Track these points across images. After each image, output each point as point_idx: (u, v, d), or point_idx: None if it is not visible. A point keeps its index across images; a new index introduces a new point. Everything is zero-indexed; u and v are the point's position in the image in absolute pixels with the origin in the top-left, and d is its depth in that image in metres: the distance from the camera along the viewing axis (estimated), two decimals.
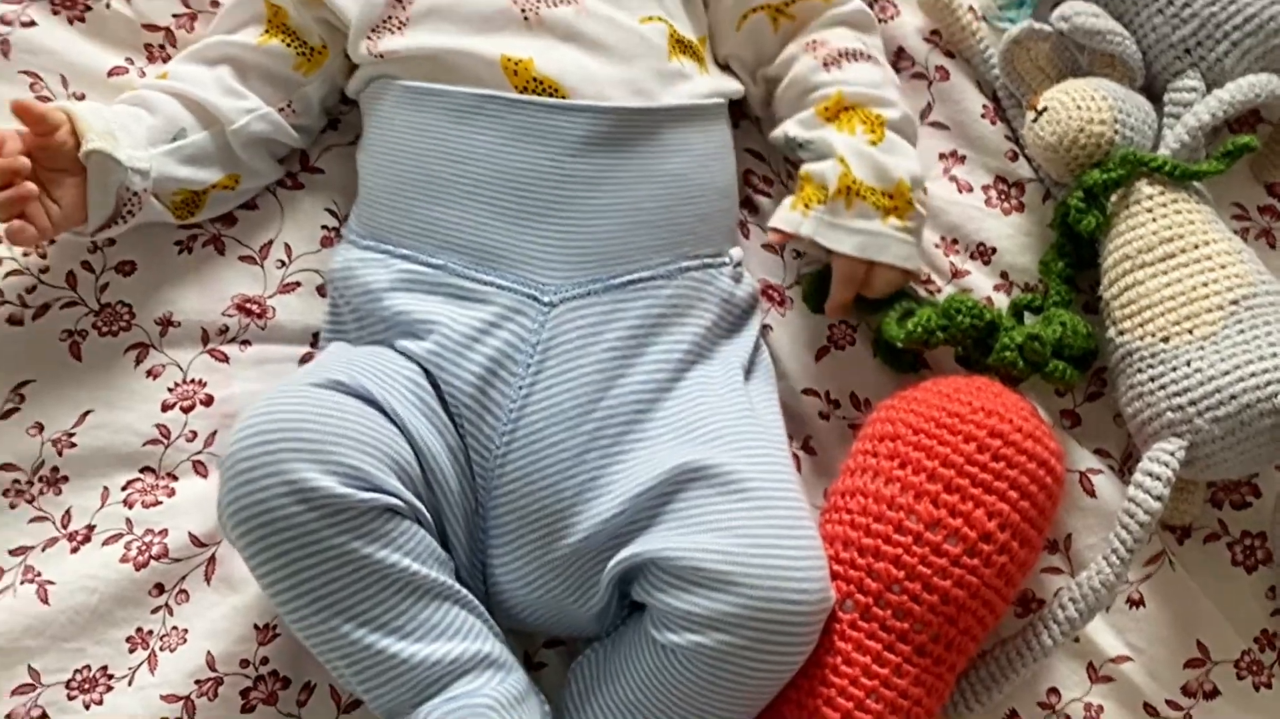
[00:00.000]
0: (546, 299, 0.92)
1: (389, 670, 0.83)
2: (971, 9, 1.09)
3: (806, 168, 0.99)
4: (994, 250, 1.06)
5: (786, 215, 0.98)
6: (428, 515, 0.87)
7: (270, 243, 1.04)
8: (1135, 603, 0.98)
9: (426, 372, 0.91)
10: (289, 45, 1.01)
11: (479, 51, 0.94)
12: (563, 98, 0.94)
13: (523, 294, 0.92)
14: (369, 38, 0.97)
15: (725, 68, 1.05)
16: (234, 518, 0.83)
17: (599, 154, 0.93)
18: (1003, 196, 1.07)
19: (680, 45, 0.98)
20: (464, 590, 0.87)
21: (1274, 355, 0.91)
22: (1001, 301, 1.04)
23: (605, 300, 0.92)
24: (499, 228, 0.93)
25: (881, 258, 0.96)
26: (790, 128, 1.02)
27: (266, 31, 1.01)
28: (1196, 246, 0.96)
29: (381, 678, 0.84)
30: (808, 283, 1.03)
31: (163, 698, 0.93)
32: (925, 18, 1.10)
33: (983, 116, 1.08)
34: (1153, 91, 1.05)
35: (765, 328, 1.03)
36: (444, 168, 0.94)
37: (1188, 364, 0.92)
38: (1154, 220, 0.97)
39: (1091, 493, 0.98)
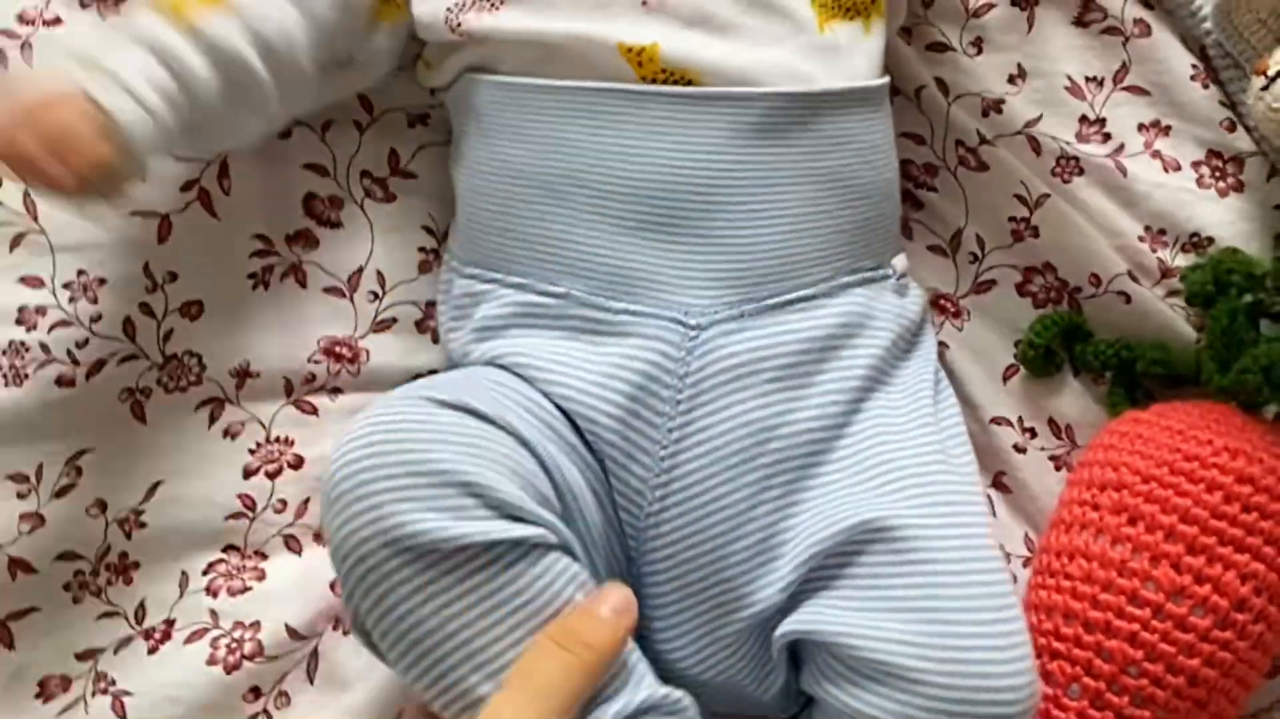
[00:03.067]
0: (693, 322, 0.82)
1: None
2: None
3: None
4: (1210, 241, 0.94)
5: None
6: (578, 548, 0.78)
7: (360, 270, 0.95)
8: None
9: (562, 410, 0.82)
10: None
11: (593, 35, 0.83)
12: (698, 86, 0.84)
13: (664, 319, 0.82)
14: (449, 12, 0.87)
15: None
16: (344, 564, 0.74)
17: (745, 151, 0.82)
18: (1217, 175, 0.96)
19: (833, 7, 0.87)
20: None
21: None
22: None
23: (761, 324, 0.82)
24: (630, 245, 0.82)
25: None
26: None
27: None
28: None
29: None
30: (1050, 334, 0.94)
31: None
32: None
33: (1192, 79, 0.96)
34: None
35: (941, 345, 0.94)
36: (559, 178, 0.83)
37: None
38: None
39: None
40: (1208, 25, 0.96)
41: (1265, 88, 0.90)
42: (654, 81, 0.82)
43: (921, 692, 0.73)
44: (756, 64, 0.83)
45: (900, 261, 0.90)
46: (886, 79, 0.90)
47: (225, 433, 0.92)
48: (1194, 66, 0.97)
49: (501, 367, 0.84)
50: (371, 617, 0.74)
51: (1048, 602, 0.83)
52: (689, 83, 0.82)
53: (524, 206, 0.84)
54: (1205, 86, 0.96)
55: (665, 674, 0.81)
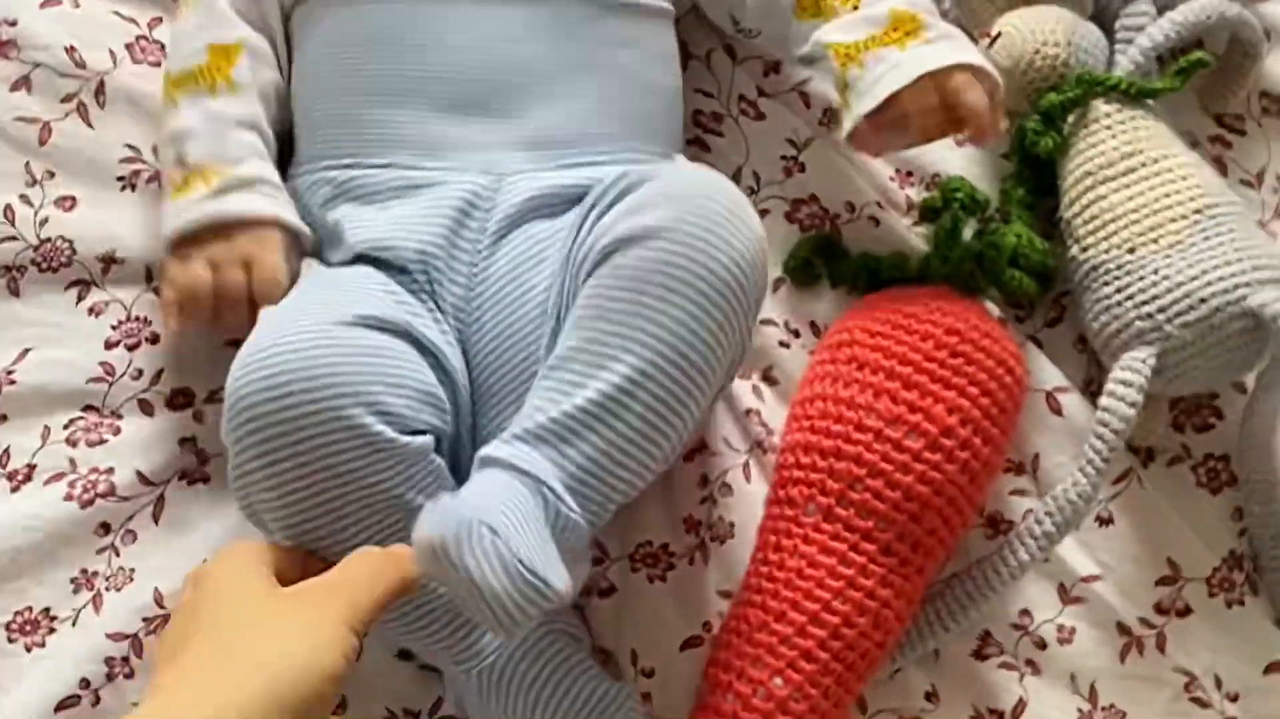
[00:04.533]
0: (499, 171, 1.00)
1: None
2: None
3: (836, 89, 1.04)
4: None
5: (841, 134, 1.02)
6: (446, 442, 0.94)
7: None
8: (1104, 522, 1.04)
9: (392, 266, 0.99)
10: None
11: None
12: None
13: (475, 170, 1.00)
14: None
15: None
16: (261, 447, 0.86)
17: (543, 43, 1.01)
18: None
19: None
20: None
21: (1239, 260, 0.98)
22: None
23: (556, 173, 1.00)
24: (445, 120, 1.00)
25: (927, 68, 0.97)
26: (795, 49, 1.07)
27: None
28: (1157, 160, 1.03)
29: None
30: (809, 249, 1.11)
31: (108, 636, 0.98)
32: None
33: None
34: (1103, 21, 1.13)
35: None
36: (381, 69, 1.01)
37: (1155, 272, 1.00)
38: (1114, 137, 1.05)
39: (1058, 411, 1.05)
40: (948, 5, 1.16)
41: (989, 46, 1.10)
42: None
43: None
44: None
45: (682, 159, 1.08)
46: (669, 6, 1.09)
47: (90, 310, 1.07)
48: None
49: (359, 255, 1.00)
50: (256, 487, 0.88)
51: (792, 441, 0.99)
52: None
53: (349, 98, 1.02)
54: None
55: None
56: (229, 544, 0.91)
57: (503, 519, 0.79)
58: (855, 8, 1.03)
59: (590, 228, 0.92)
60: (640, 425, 0.87)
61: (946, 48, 0.99)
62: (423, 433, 0.90)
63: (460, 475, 0.92)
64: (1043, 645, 1.03)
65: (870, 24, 1.01)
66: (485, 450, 0.87)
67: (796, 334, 1.11)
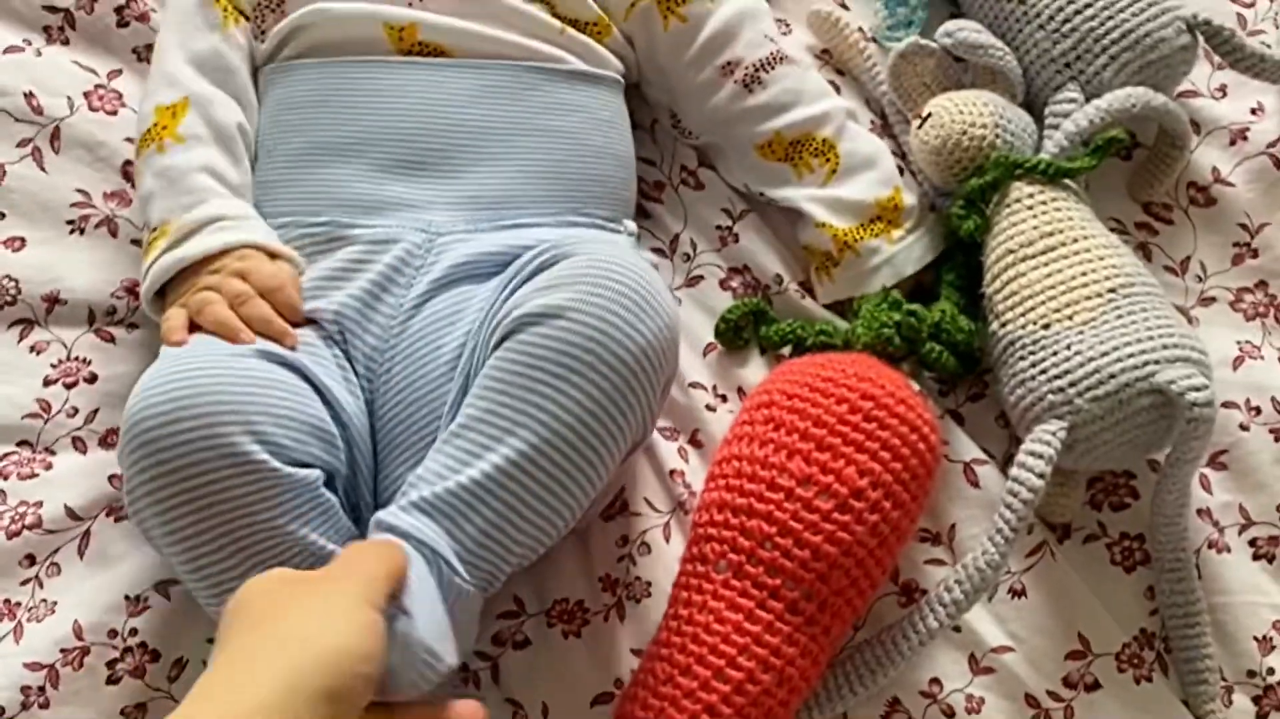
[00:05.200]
0: (434, 230, 1.03)
1: None
2: (860, 29, 1.23)
3: (803, 239, 1.14)
4: None
5: (827, 289, 1.13)
6: (340, 481, 0.96)
7: None
8: (1017, 593, 1.06)
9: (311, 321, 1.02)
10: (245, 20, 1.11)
11: (360, 12, 1.06)
12: (448, 58, 1.06)
13: (411, 228, 1.03)
14: (254, 21, 1.09)
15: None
16: (150, 471, 0.88)
17: (487, 106, 1.05)
18: None
19: (571, 21, 1.10)
20: None
21: (1150, 338, 1.01)
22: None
23: (490, 236, 1.03)
24: (384, 179, 1.03)
25: (908, 271, 1.12)
26: (750, 181, 1.15)
27: (224, 23, 1.10)
28: (1076, 240, 1.07)
29: None
30: (739, 315, 1.15)
31: (25, 665, 1.00)
32: (815, 36, 1.24)
33: (870, 131, 1.20)
34: (1034, 108, 1.18)
35: None
36: (327, 132, 1.05)
37: (1068, 347, 1.03)
38: (1034, 217, 1.09)
39: (975, 484, 1.08)
40: (884, 88, 1.21)
41: (919, 126, 1.14)
42: (409, 53, 1.06)
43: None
44: (499, 43, 1.06)
45: (632, 225, 1.12)
46: (618, 76, 1.13)
47: (32, 349, 1.10)
48: (872, 121, 1.22)
49: None
50: (168, 502, 0.89)
51: (707, 500, 1.01)
52: (441, 54, 1.05)
53: (294, 158, 1.06)
54: (881, 138, 1.20)
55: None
56: None
57: (408, 597, 0.81)
58: (834, 171, 1.11)
59: (503, 301, 0.95)
60: (533, 501, 0.90)
61: (920, 245, 1.13)
62: (308, 465, 0.92)
63: (359, 518, 0.95)
64: (951, 714, 1.05)
65: (856, 213, 1.11)
66: (382, 516, 0.89)
67: (724, 398, 1.13)
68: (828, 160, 1.12)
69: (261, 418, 0.90)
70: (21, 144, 1.14)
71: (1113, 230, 1.16)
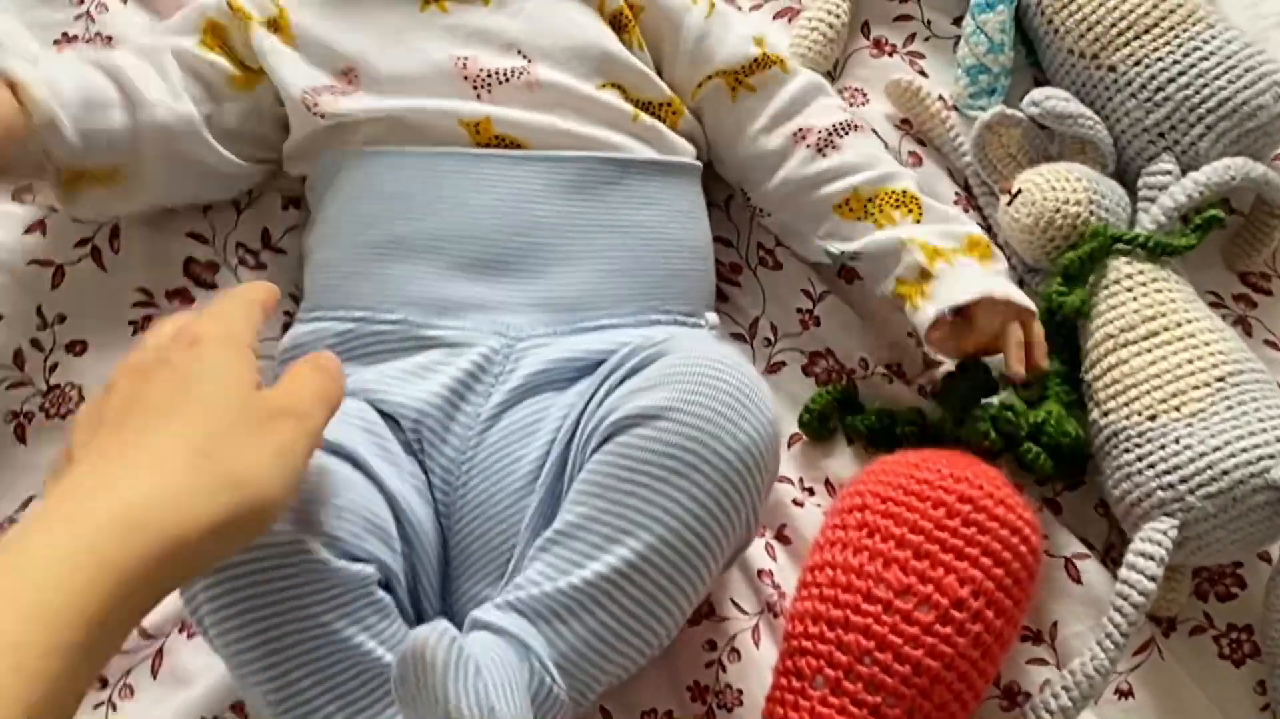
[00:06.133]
0: (512, 335, 0.99)
1: None
2: (941, 98, 1.20)
3: (897, 276, 1.08)
4: None
5: (922, 316, 1.06)
6: (401, 582, 0.92)
7: None
8: (1124, 694, 1.03)
9: (386, 415, 0.98)
10: (228, 60, 1.08)
11: (436, 110, 1.03)
12: (525, 150, 1.03)
13: (488, 332, 0.99)
14: (313, 98, 1.04)
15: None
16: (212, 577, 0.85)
17: (564, 202, 1.02)
18: None
19: (644, 105, 1.07)
20: None
21: (1264, 430, 0.98)
22: None
23: (571, 340, 1.00)
24: (462, 278, 1.00)
25: (1012, 295, 1.05)
26: (830, 244, 1.10)
27: (204, 43, 1.07)
28: (1180, 324, 1.03)
29: None
30: (824, 403, 1.11)
31: None
32: (894, 106, 1.21)
33: (955, 203, 1.17)
34: (1125, 178, 1.15)
35: None
36: (402, 225, 1.01)
37: (1176, 441, 0.99)
38: (1135, 299, 1.05)
39: (1077, 579, 1.04)
40: (968, 159, 1.17)
41: (1009, 203, 1.11)
42: (487, 146, 1.03)
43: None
44: (574, 135, 1.03)
45: (713, 317, 1.08)
46: (695, 162, 1.10)
47: None
48: (957, 194, 1.18)
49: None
50: (211, 625, 0.87)
51: (800, 609, 0.98)
52: (518, 146, 1.03)
53: (367, 251, 1.02)
54: (966, 210, 1.18)
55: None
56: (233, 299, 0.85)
57: (490, 670, 0.79)
58: (918, 221, 1.07)
59: (598, 404, 0.92)
60: (636, 610, 0.87)
61: (1013, 282, 1.07)
62: (364, 561, 0.89)
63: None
64: None
65: (948, 238, 1.07)
66: (478, 614, 0.86)
67: (811, 492, 1.10)
68: (910, 211, 1.08)
69: (314, 506, 0.87)
70: (80, 243, 1.11)
71: (1210, 304, 1.13)
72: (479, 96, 1.04)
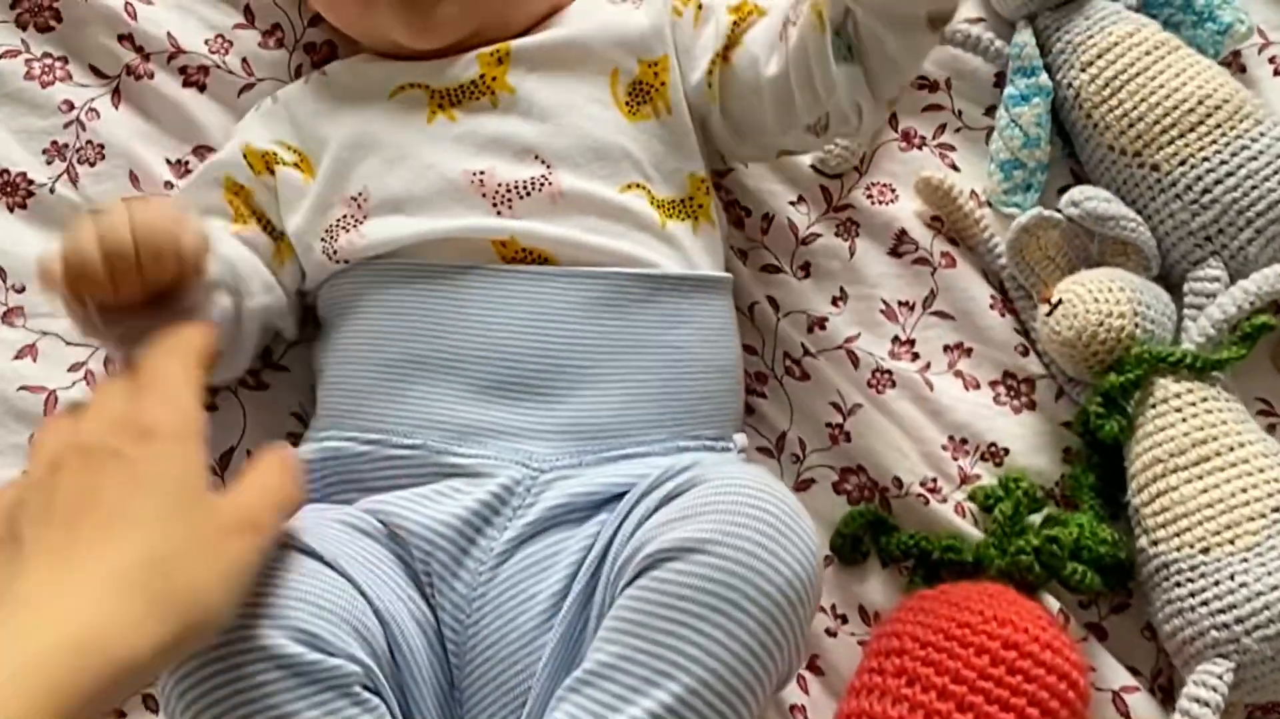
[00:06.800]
0: (535, 466, 0.94)
1: None
2: (974, 194, 1.15)
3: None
4: (1006, 451, 1.09)
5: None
6: (390, 692, 0.88)
7: (232, 449, 1.08)
8: None
9: (394, 537, 0.93)
10: (264, 229, 1.05)
11: (455, 233, 0.98)
12: (554, 264, 0.98)
13: (510, 462, 0.94)
14: (324, 240, 1.01)
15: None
16: (186, 680, 0.82)
17: (592, 322, 0.96)
18: (1012, 394, 1.11)
19: (669, 207, 1.02)
20: None
21: None
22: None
23: (597, 470, 0.95)
24: (482, 402, 0.95)
25: None
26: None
27: (237, 218, 1.04)
28: (1232, 449, 0.99)
29: None
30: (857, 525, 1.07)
31: None
32: (924, 203, 1.16)
33: (991, 308, 1.13)
34: (1169, 280, 1.10)
35: None
36: (422, 343, 0.97)
37: (1231, 578, 0.95)
38: (1184, 420, 1.01)
39: (1126, 714, 0.99)
40: (1004, 260, 1.12)
41: (1049, 314, 1.06)
42: (514, 261, 0.98)
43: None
44: (602, 249, 0.98)
45: (741, 439, 1.03)
46: (728, 275, 1.06)
47: None
48: (992, 296, 1.13)
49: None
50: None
51: None
52: (545, 261, 0.98)
53: (386, 370, 0.97)
54: (1002, 315, 1.13)
55: None
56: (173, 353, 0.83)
57: None
58: None
59: (628, 536, 0.88)
60: None
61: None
62: (346, 658, 0.84)
63: None
64: None
65: None
66: None
67: (844, 620, 1.06)
68: None
69: (292, 602, 0.84)
70: (74, 368, 1.08)
71: (1260, 413, 1.08)
72: (499, 213, 0.99)
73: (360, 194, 1.01)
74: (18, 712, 0.62)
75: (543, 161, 1.00)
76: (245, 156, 1.05)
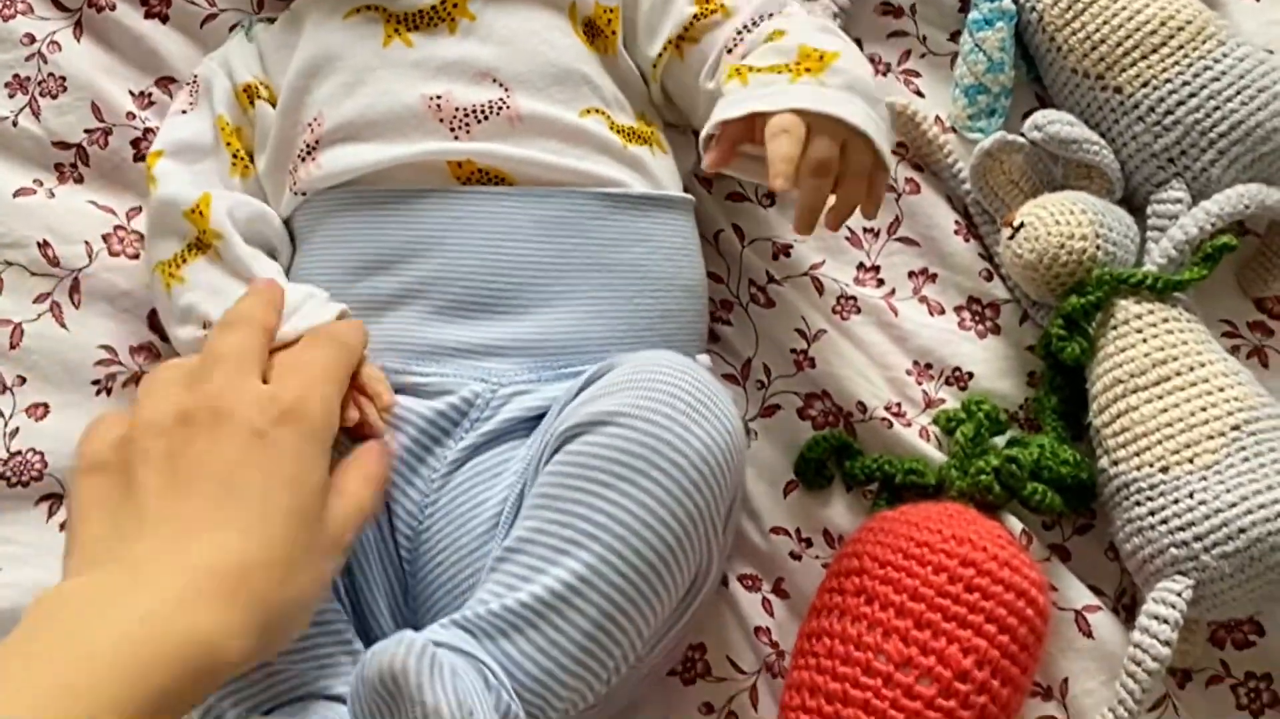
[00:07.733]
0: (493, 381, 0.96)
1: None
2: (938, 119, 1.16)
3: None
4: (970, 375, 1.10)
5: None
6: (343, 595, 0.91)
7: None
8: None
9: None
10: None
11: (412, 159, 0.99)
12: (511, 184, 0.99)
13: (468, 379, 0.96)
14: (289, 174, 1.02)
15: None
16: None
17: (551, 241, 0.98)
18: (977, 318, 1.13)
19: (629, 133, 1.03)
20: None
21: None
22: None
23: (553, 386, 0.96)
24: (442, 321, 0.97)
25: (778, 105, 0.91)
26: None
27: (235, 165, 1.06)
28: (1192, 369, 1.00)
29: None
30: (821, 450, 1.08)
31: None
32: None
33: (955, 233, 1.14)
34: (1133, 203, 1.11)
35: None
36: (379, 269, 0.98)
37: (1190, 496, 0.96)
38: (1144, 341, 1.02)
39: (1088, 633, 1.01)
40: (968, 186, 1.13)
41: (1011, 237, 1.07)
42: (470, 181, 0.99)
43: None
44: (561, 169, 0.99)
45: (705, 359, 1.05)
46: (689, 196, 1.07)
47: (62, 526, 1.04)
48: (957, 222, 1.14)
49: None
50: None
51: (797, 680, 0.95)
52: (501, 181, 0.99)
53: (345, 294, 0.98)
54: (967, 240, 1.14)
55: None
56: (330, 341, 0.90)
57: (462, 675, 0.78)
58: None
59: (552, 421, 0.91)
60: (588, 626, 0.84)
61: (835, 95, 0.92)
62: None
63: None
64: None
65: (778, 54, 0.97)
66: (426, 633, 0.84)
67: (809, 543, 1.07)
68: (773, 39, 1.00)
69: None
70: (39, 299, 1.08)
71: (1225, 334, 1.09)
72: (457, 138, 0.99)
73: (315, 119, 1.02)
74: (107, 696, 0.65)
75: (501, 84, 1.01)
76: (235, 95, 1.07)
